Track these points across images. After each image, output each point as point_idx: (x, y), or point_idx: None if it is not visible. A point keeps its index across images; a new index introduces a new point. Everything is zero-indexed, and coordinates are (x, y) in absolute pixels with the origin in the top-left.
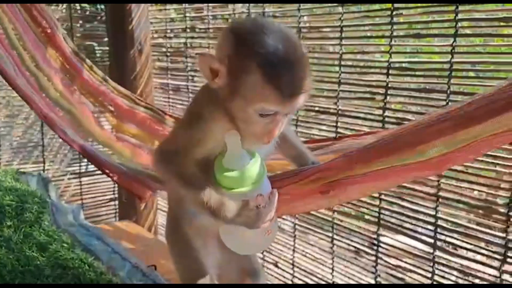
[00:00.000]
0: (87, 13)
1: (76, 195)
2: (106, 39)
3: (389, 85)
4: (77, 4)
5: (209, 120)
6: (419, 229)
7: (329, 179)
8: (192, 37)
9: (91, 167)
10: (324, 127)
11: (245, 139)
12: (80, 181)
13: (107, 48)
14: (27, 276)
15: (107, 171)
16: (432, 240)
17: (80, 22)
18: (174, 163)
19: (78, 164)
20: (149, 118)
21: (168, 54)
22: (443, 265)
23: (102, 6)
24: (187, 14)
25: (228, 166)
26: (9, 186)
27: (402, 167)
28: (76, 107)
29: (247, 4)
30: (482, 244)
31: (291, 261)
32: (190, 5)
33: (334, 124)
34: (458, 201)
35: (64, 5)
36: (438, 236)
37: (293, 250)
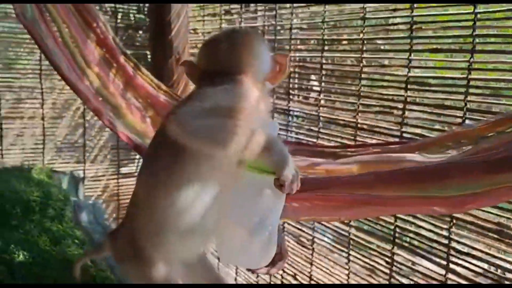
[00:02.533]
0: (132, 22)
1: (114, 195)
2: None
3: (407, 100)
4: (120, 14)
5: None
6: (433, 250)
7: (348, 192)
8: None
9: (127, 169)
10: (344, 140)
11: None
12: (118, 182)
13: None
14: (35, 267)
15: None
16: (445, 262)
17: (123, 31)
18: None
19: (116, 165)
20: None
21: None
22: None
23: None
24: (223, 26)
25: None
26: (39, 182)
27: (422, 199)
28: (123, 104)
29: (275, 17)
30: (492, 269)
31: (309, 274)
32: (224, 17)
33: (353, 138)
34: (472, 223)
35: (109, 14)
36: (451, 258)
37: (311, 264)
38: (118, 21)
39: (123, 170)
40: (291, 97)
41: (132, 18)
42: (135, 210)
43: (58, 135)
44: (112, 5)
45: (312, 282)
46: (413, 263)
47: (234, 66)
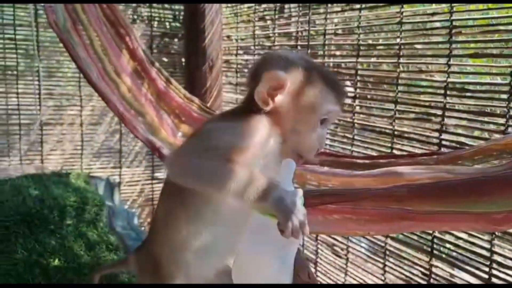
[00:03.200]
0: (168, 30)
1: (148, 200)
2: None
3: (447, 106)
4: (156, 22)
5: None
6: (474, 263)
7: (379, 205)
8: (259, 54)
9: (162, 174)
10: (380, 148)
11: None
12: (153, 187)
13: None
14: (68, 272)
15: None
16: (486, 276)
17: (159, 39)
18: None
19: (151, 171)
20: None
21: (238, 70)
22: None
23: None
24: (256, 32)
25: None
26: (76, 187)
27: (460, 215)
28: (150, 113)
29: (309, 23)
30: None
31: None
32: (258, 24)
33: (390, 145)
34: None
35: (145, 22)
36: (493, 271)
37: (345, 273)
38: (154, 28)
39: (158, 175)
40: None
41: (168, 26)
42: (156, 228)
43: (96, 141)
44: (148, 12)
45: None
46: (452, 275)
47: (246, 95)
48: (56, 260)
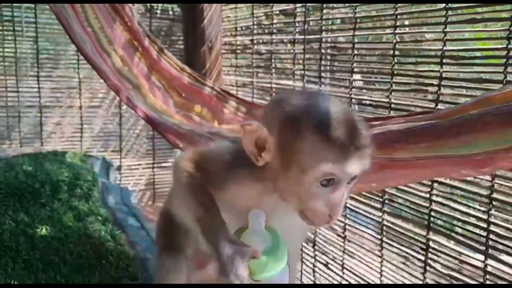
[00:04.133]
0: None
1: (150, 184)
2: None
3: (443, 75)
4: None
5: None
6: (471, 235)
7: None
8: (259, 33)
9: (162, 159)
10: None
11: (303, 221)
12: (153, 171)
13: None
14: (54, 241)
15: (163, 132)
16: (483, 248)
17: (158, 21)
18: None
19: (151, 155)
20: (213, 97)
21: (237, 51)
22: (496, 275)
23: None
24: (255, 12)
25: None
26: (70, 164)
27: (444, 160)
28: (145, 85)
29: None
30: None
31: (341, 263)
32: (257, 4)
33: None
34: None
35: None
36: (491, 243)
37: (343, 252)
38: (158, 11)
39: (158, 159)
40: (322, 80)
41: (166, 7)
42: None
43: (96, 124)
44: None
45: (345, 271)
46: (451, 249)
47: None
48: (44, 230)
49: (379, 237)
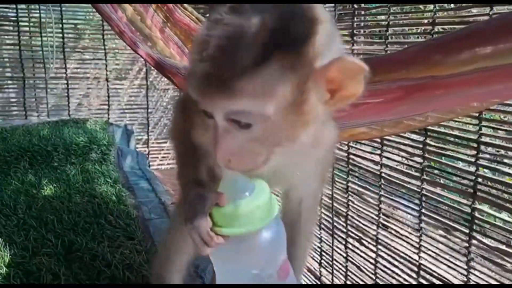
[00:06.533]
0: None
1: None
2: None
3: None
4: None
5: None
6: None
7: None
8: None
9: None
10: None
11: None
12: None
13: None
14: (55, 201)
15: (169, 75)
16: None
17: None
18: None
19: None
20: None
21: None
22: None
23: None
24: None
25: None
26: (88, 130)
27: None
28: (157, 35)
29: None
30: None
31: (375, 238)
32: None
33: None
34: None
35: None
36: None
37: (377, 226)
38: None
39: None
40: (355, 38)
41: None
42: None
43: (122, 96)
44: None
45: (379, 247)
46: (499, 219)
47: None
48: (48, 190)
49: (418, 208)
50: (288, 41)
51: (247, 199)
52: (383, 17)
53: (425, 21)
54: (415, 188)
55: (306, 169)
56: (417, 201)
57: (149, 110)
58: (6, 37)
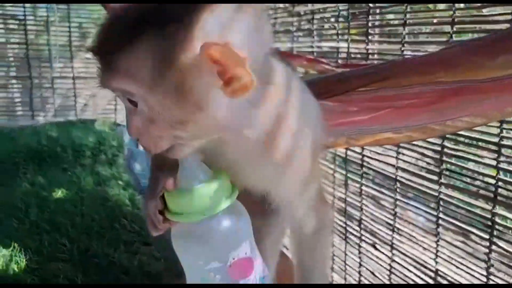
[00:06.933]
0: None
1: None
2: None
3: None
4: None
5: None
6: None
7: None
8: None
9: None
10: None
11: None
12: None
13: None
14: (67, 203)
15: None
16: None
17: None
18: None
19: None
20: None
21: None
22: None
23: None
24: None
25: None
26: (97, 131)
27: None
28: None
29: None
30: None
31: (390, 242)
32: None
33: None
34: None
35: None
36: None
37: (393, 230)
38: None
39: None
40: (370, 37)
41: None
42: None
43: None
44: None
45: (394, 252)
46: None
47: None
48: (59, 193)
49: (435, 213)
50: (162, 21)
51: (196, 187)
52: (398, 15)
53: (444, 19)
54: (433, 192)
55: (269, 174)
56: (434, 205)
57: None
58: (12, 35)
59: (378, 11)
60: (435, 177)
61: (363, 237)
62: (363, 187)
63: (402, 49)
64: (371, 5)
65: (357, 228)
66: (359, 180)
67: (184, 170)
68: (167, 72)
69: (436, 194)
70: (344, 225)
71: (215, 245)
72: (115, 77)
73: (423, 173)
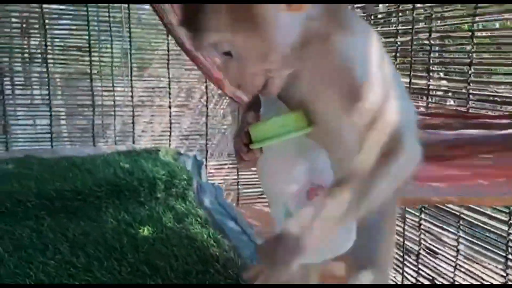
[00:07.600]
0: None
1: (234, 184)
2: None
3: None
4: None
5: None
6: None
7: None
8: None
9: None
10: None
11: None
12: (238, 172)
13: None
14: (157, 243)
15: None
16: None
17: None
18: None
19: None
20: None
21: None
22: None
23: None
24: None
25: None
26: (165, 162)
27: None
28: None
29: None
30: None
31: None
32: None
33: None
34: None
35: None
36: None
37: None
38: None
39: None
40: (431, 74)
41: None
42: None
43: (183, 123)
44: None
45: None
46: None
47: None
48: (145, 230)
49: (504, 254)
50: None
51: (273, 118)
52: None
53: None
54: (501, 233)
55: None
56: (502, 246)
57: (208, 137)
58: (78, 67)
59: (438, 48)
60: (504, 218)
61: (420, 271)
62: (422, 221)
63: (468, 88)
64: (432, 41)
65: (415, 263)
66: (418, 214)
67: (264, 107)
68: (242, 13)
69: (505, 235)
70: (401, 259)
71: (293, 170)
72: (204, 35)
73: (491, 213)
